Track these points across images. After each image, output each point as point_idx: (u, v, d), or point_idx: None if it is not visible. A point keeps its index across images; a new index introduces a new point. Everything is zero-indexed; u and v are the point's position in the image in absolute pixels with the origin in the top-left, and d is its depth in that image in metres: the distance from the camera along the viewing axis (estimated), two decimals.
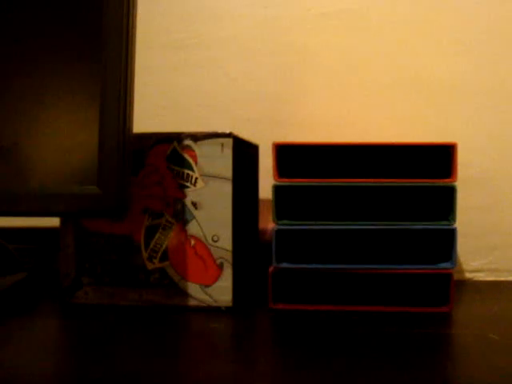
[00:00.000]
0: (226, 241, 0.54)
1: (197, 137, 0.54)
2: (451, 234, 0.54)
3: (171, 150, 0.55)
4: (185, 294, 0.55)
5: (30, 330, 0.48)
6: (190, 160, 0.54)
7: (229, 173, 0.54)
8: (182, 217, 0.55)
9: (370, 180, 0.55)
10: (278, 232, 0.55)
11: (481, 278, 0.73)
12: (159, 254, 0.55)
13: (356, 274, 0.58)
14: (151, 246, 0.55)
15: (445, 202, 0.56)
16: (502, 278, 0.72)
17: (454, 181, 0.54)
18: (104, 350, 0.42)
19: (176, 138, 0.55)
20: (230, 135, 0.54)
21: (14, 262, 0.66)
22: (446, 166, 0.56)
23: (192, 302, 0.55)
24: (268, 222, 0.69)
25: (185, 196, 0.55)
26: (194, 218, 0.54)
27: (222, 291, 0.54)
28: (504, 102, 0.73)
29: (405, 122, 0.74)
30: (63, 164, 0.50)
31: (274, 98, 0.75)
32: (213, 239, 0.54)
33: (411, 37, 0.73)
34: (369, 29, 0.74)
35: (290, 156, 0.60)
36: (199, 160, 0.54)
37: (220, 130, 0.54)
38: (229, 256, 0.54)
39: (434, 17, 0.73)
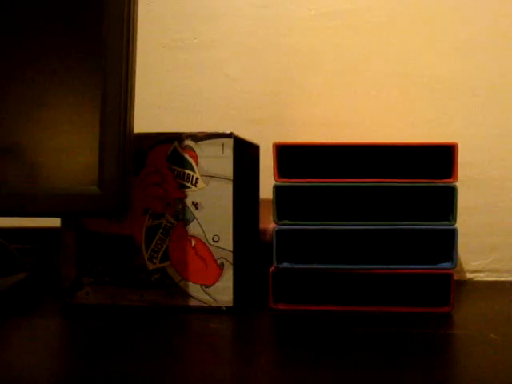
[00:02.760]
0: (226, 241, 0.54)
1: (197, 137, 0.54)
2: (452, 234, 0.54)
3: (172, 150, 0.55)
4: (185, 294, 0.55)
5: (30, 330, 0.48)
6: (191, 160, 0.54)
7: (229, 173, 0.54)
8: (182, 217, 0.55)
9: (370, 180, 0.55)
10: (279, 232, 0.55)
11: (481, 279, 0.73)
12: (160, 254, 0.55)
13: (356, 274, 0.58)
14: (152, 246, 0.55)
15: (445, 202, 0.56)
16: (503, 279, 0.72)
17: (455, 181, 0.54)
18: (104, 350, 0.42)
19: (177, 138, 0.55)
20: (230, 135, 0.54)
21: (15, 262, 0.66)
22: (447, 166, 0.56)
23: (193, 302, 0.55)
24: (268, 222, 0.69)
25: (185, 196, 0.55)
26: (194, 218, 0.54)
27: (222, 291, 0.54)
28: (504, 101, 0.72)
29: (405, 121, 0.74)
30: (64, 164, 0.50)
31: (275, 98, 0.75)
32: (213, 239, 0.54)
33: (411, 37, 0.73)
34: (369, 29, 0.74)
35: (290, 156, 0.60)
36: (200, 160, 0.54)
37: (221, 131, 0.54)
38: (229, 256, 0.54)
39: (434, 16, 0.73)
